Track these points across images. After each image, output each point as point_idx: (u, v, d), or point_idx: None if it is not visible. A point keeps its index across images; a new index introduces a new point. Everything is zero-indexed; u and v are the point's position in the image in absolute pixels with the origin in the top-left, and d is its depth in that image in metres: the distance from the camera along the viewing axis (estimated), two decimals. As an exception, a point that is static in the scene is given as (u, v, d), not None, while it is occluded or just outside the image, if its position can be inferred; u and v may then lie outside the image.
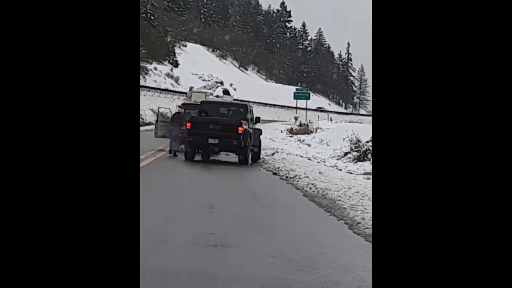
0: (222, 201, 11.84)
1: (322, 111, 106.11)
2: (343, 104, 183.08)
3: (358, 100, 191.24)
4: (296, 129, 49.34)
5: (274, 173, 18.96)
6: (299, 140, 40.83)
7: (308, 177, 16.14)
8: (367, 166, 22.30)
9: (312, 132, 44.87)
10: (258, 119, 23.90)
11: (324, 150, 31.87)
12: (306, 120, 56.47)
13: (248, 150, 21.78)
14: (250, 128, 22.22)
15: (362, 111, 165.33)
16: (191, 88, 37.34)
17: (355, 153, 27.29)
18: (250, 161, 22.12)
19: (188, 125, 21.32)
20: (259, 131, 24.30)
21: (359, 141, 27.86)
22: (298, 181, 15.99)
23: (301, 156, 26.68)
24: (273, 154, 25.53)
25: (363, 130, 29.39)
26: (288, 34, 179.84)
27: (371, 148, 24.01)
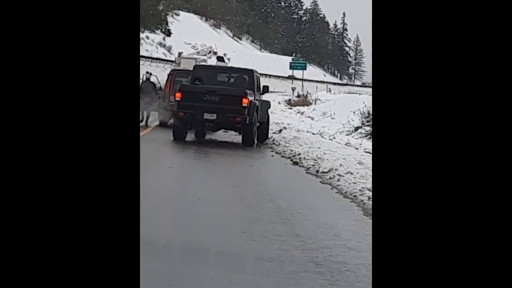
0: (235, 243, 6.44)
1: (365, 86, 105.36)
2: (338, 74, 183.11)
3: (353, 71, 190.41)
4: (294, 100, 47.85)
5: (295, 163, 14.29)
6: (299, 112, 38.43)
7: (351, 173, 11.27)
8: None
9: (311, 103, 42.82)
10: (266, 89, 19.73)
11: (329, 124, 28.71)
12: (303, 91, 55.55)
13: (254, 128, 17.90)
14: (257, 99, 18.39)
15: (357, 82, 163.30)
16: (180, 53, 33.60)
17: (367, 128, 24.17)
18: (256, 141, 18.22)
19: (178, 95, 17.57)
20: (267, 104, 20.05)
21: (369, 113, 24.73)
22: (338, 179, 11.13)
23: (313, 133, 23.01)
24: (280, 131, 21.80)
25: (368, 101, 25.96)
26: (282, 3, 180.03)
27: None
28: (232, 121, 17.19)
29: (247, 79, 18.72)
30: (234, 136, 19.46)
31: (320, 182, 11.45)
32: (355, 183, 10.39)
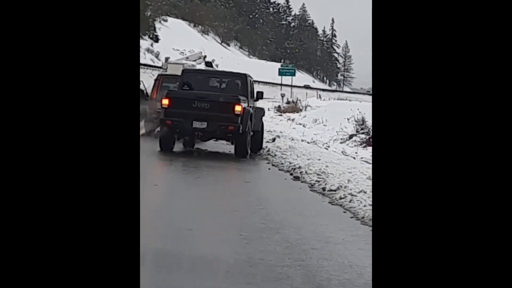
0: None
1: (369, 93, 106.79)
2: (327, 81, 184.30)
3: (342, 77, 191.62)
4: (284, 107, 47.76)
5: (296, 177, 12.84)
6: (290, 119, 38.21)
7: (364, 192, 9.84)
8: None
9: (301, 110, 42.75)
10: (260, 95, 18.35)
11: (322, 131, 28.22)
12: (292, 97, 55.65)
13: (247, 137, 16.67)
14: (250, 106, 17.21)
15: (346, 88, 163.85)
16: (167, 59, 32.65)
17: (362, 136, 23.60)
18: (249, 152, 16.98)
19: (165, 102, 16.38)
20: (261, 111, 18.70)
21: (364, 121, 24.26)
22: (350, 200, 9.70)
23: (308, 142, 22.11)
24: (274, 139, 20.56)
25: (362, 108, 25.58)
26: (271, 9, 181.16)
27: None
28: (224, 130, 16.07)
29: (240, 84, 17.49)
30: (225, 146, 18.19)
31: (329, 202, 9.96)
32: (371, 204, 8.86)
